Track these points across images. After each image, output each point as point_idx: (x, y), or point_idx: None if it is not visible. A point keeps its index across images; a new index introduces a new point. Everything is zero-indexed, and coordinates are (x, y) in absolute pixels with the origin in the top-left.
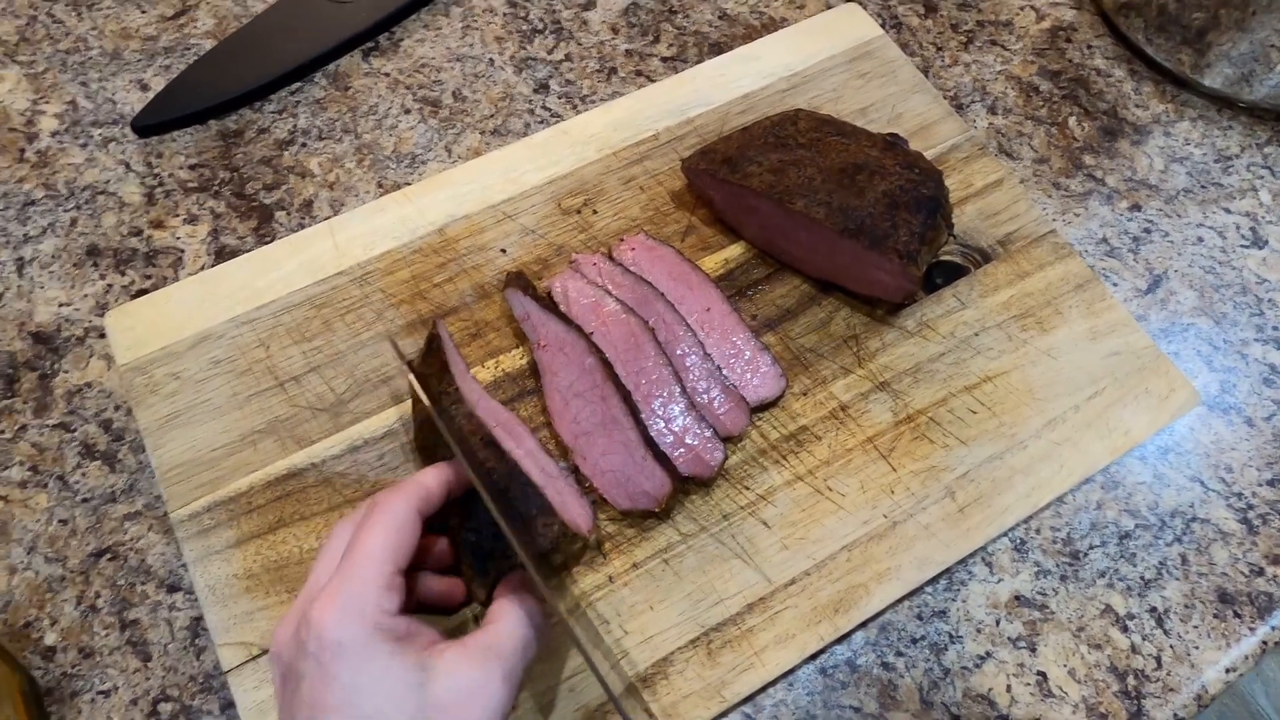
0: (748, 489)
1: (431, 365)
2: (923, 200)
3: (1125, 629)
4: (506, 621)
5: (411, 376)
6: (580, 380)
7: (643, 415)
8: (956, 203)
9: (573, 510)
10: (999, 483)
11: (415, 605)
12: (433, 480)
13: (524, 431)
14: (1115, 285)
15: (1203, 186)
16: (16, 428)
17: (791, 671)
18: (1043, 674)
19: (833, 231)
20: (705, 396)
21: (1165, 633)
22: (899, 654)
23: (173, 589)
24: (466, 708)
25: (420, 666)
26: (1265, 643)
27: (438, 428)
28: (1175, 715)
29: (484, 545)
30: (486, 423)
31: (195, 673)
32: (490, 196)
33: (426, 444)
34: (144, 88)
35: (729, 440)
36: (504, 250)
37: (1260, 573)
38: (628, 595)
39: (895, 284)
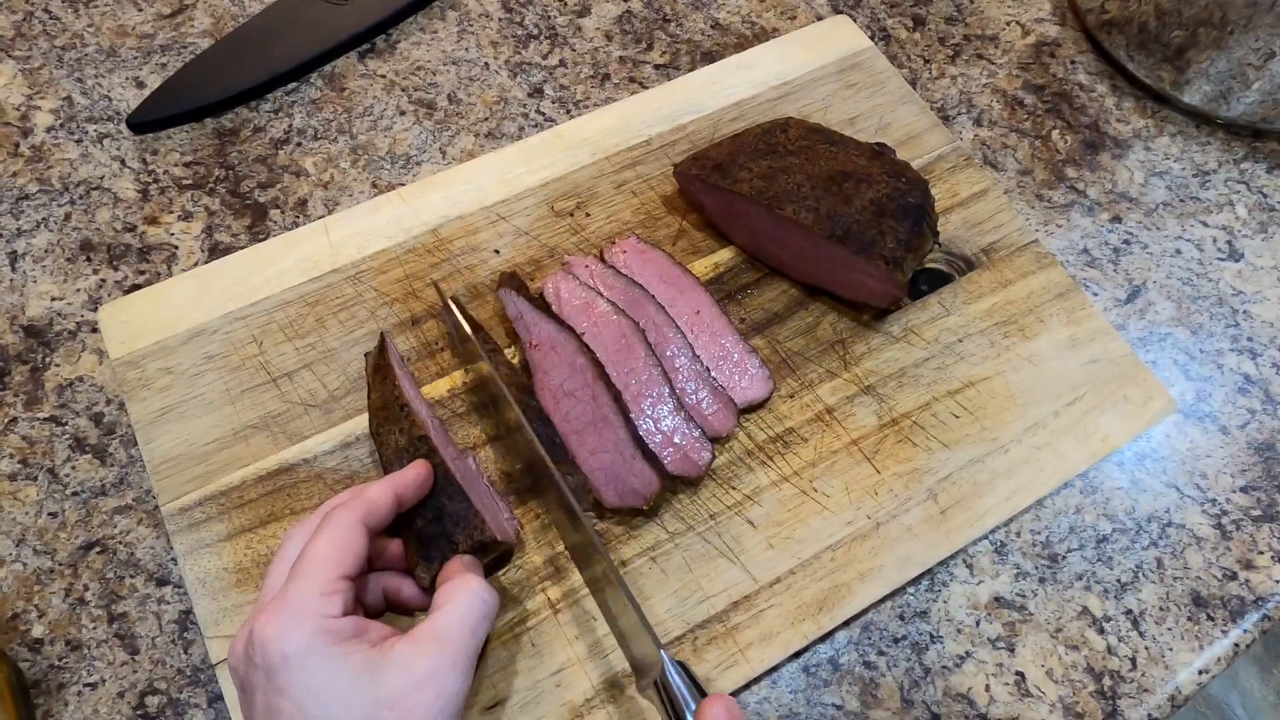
0: (734, 489)
1: (384, 368)
2: (909, 208)
3: (1102, 630)
4: (453, 606)
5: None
6: (571, 379)
7: (632, 415)
8: (942, 211)
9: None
10: (980, 485)
11: (383, 608)
12: (378, 494)
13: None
14: (1095, 295)
15: (1181, 200)
16: (7, 420)
17: (775, 669)
18: (1021, 674)
19: (820, 237)
20: (694, 397)
21: (1140, 634)
22: (880, 653)
23: (161, 582)
24: (419, 698)
25: (369, 663)
26: (1237, 645)
27: (389, 415)
28: (1150, 715)
29: (427, 530)
30: (427, 424)
31: (183, 666)
32: (484, 198)
33: (380, 430)
34: (140, 85)
35: (717, 441)
36: (497, 251)
37: (1233, 577)
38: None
39: (881, 289)
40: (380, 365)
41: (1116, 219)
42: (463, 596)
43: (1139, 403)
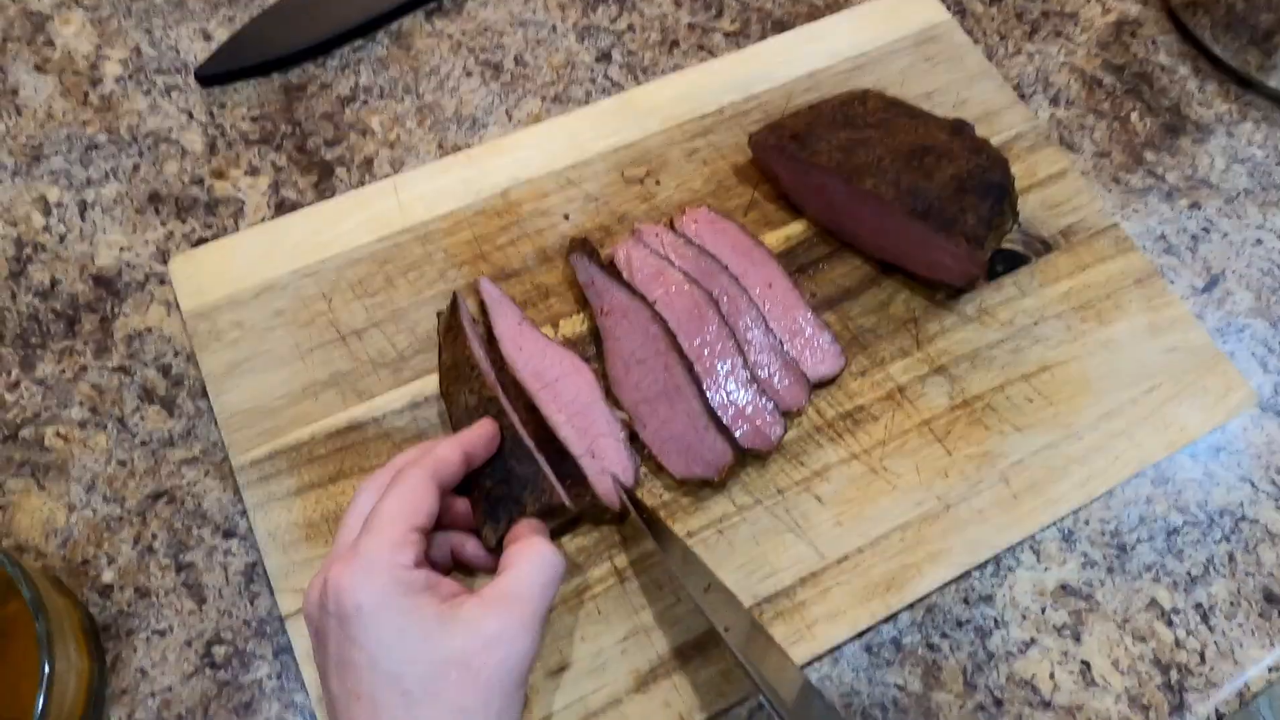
0: (803, 464)
1: (456, 328)
2: (990, 186)
3: (1170, 623)
4: (522, 568)
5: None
6: (643, 348)
7: (705, 386)
8: (1020, 191)
9: (609, 475)
10: (1053, 471)
11: (450, 567)
12: (446, 451)
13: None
14: (1172, 282)
15: (1264, 188)
16: (77, 368)
17: (837, 647)
18: (1086, 663)
19: (900, 212)
20: (766, 370)
21: (1210, 629)
22: (944, 635)
23: (228, 534)
24: (488, 657)
25: (439, 618)
26: None
27: (459, 375)
28: (1217, 710)
29: (495, 491)
30: (530, 386)
31: (249, 617)
32: (554, 162)
33: (450, 390)
34: (207, 37)
35: (786, 415)
36: (566, 216)
37: None
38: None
39: (959, 268)
40: (452, 325)
41: (1195, 205)
42: (531, 558)
43: (1218, 394)
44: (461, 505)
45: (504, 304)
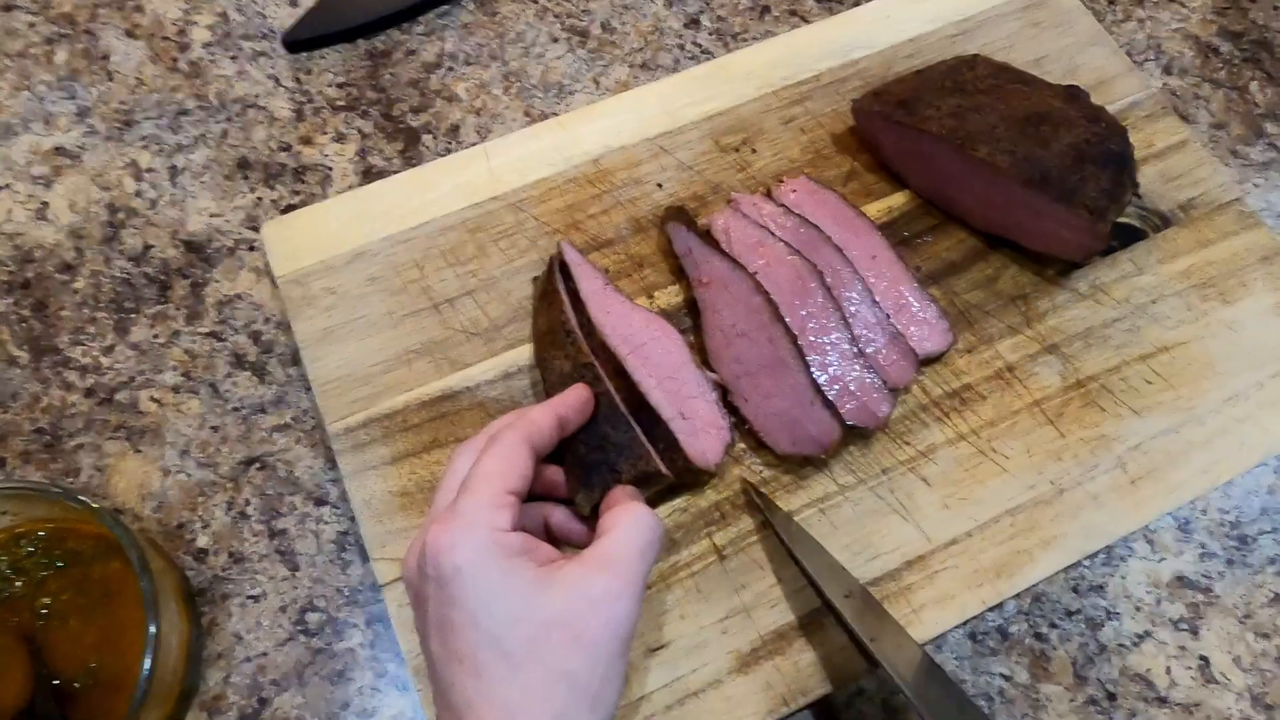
0: (908, 444)
1: (551, 294)
2: (1111, 155)
3: None
4: (621, 530)
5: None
6: (745, 319)
7: (809, 359)
8: (1137, 162)
9: (702, 441)
10: (1174, 456)
11: (543, 537)
12: (540, 415)
13: (673, 345)
14: None
15: None
16: (170, 333)
17: (943, 634)
18: (1205, 658)
19: (1016, 182)
20: (873, 345)
21: None
22: (1053, 625)
23: (320, 502)
24: (589, 618)
25: (539, 581)
26: None
27: (554, 340)
28: None
29: (590, 457)
30: (619, 351)
31: (342, 585)
32: (646, 129)
33: (545, 355)
34: (293, 3)
35: (893, 392)
36: (660, 185)
37: None
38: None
39: (1077, 241)
40: (547, 290)
41: None
42: (630, 522)
43: None
44: (554, 474)
45: (587, 267)
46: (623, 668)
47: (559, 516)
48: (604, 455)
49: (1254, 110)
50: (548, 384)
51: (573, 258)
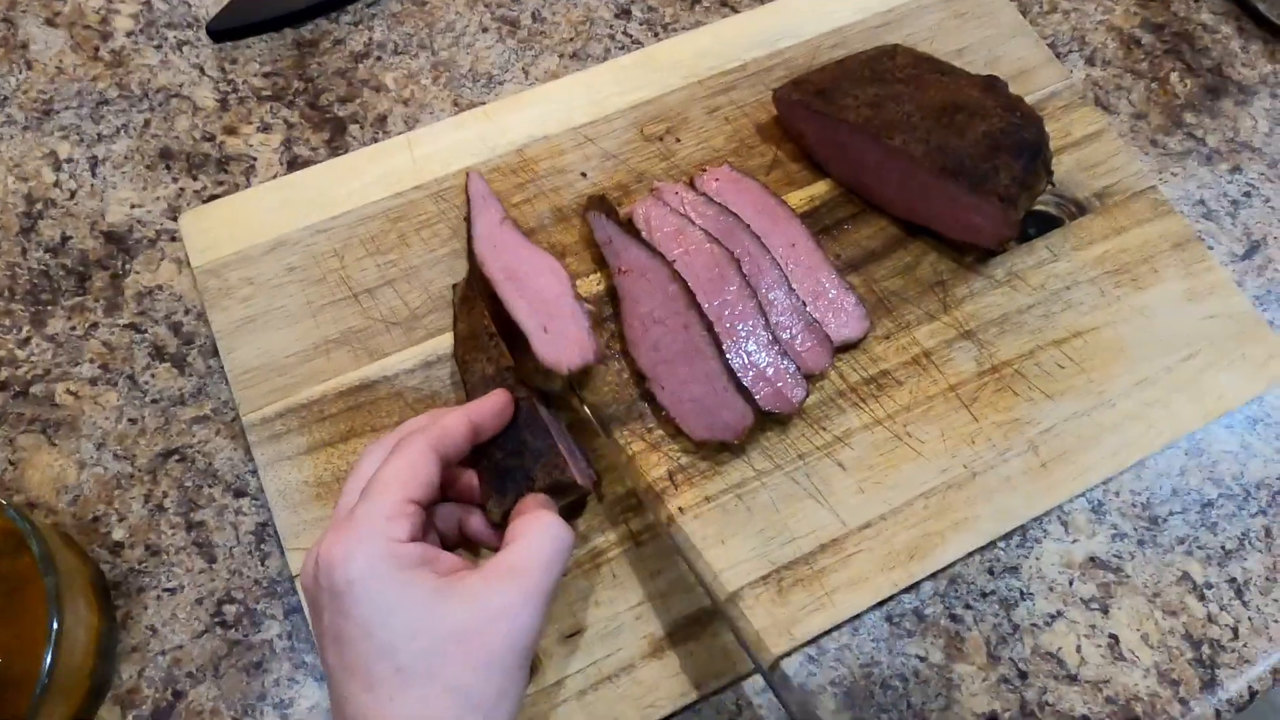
0: (824, 429)
1: (472, 299)
2: (1024, 144)
3: (1202, 597)
4: (528, 540)
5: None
6: (662, 307)
7: (725, 347)
8: (1054, 151)
9: (560, 350)
10: (1085, 440)
11: (457, 541)
12: (452, 422)
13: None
14: (1211, 248)
15: None
16: (88, 325)
17: (857, 617)
18: (1115, 636)
19: (930, 171)
20: (789, 332)
21: (1244, 604)
22: (967, 606)
23: (239, 494)
24: (489, 633)
25: (437, 592)
26: None
27: (477, 344)
28: (1249, 687)
29: (506, 463)
30: (495, 277)
31: (260, 577)
32: (572, 119)
33: (466, 358)
34: None
35: (809, 378)
36: (584, 174)
37: None
38: (698, 528)
39: (991, 229)
40: (469, 296)
41: (1237, 169)
42: (538, 531)
43: (1259, 362)
44: (471, 478)
45: (489, 201)
46: (522, 680)
47: (475, 523)
48: (520, 461)
49: (1174, 101)
50: (468, 386)
51: (478, 189)
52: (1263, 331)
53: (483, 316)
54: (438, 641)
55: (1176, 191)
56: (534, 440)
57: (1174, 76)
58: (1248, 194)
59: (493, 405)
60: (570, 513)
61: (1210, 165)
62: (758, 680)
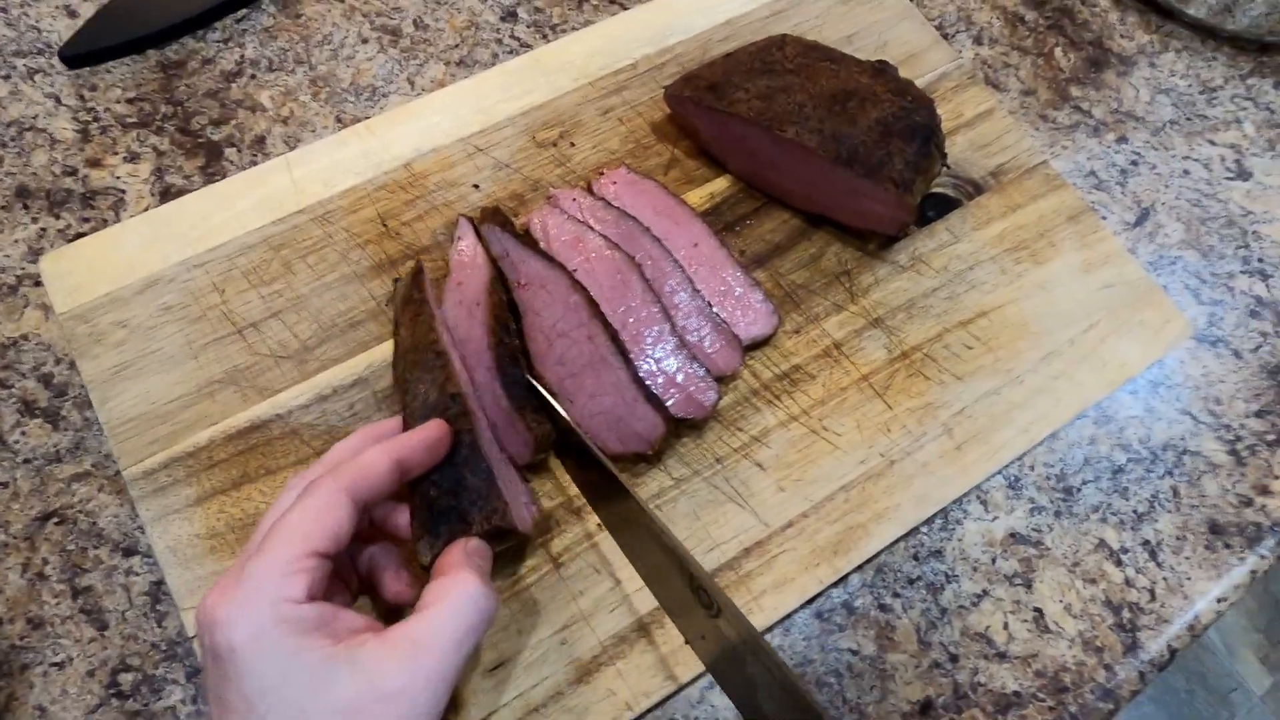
0: (740, 430)
1: (419, 304)
2: (916, 128)
3: (1119, 563)
4: (442, 609)
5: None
6: (565, 319)
7: (632, 355)
8: (947, 133)
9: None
10: (996, 418)
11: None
12: (374, 460)
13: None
14: (1104, 218)
15: (1188, 119)
16: None
17: (788, 616)
18: (1039, 610)
19: (825, 160)
20: (696, 335)
21: (1158, 565)
22: (895, 595)
23: (129, 552)
24: (382, 713)
25: (328, 663)
26: (1254, 572)
27: (419, 360)
28: (1169, 646)
29: (441, 502)
30: (451, 356)
31: (157, 640)
32: (460, 129)
33: (407, 377)
34: (72, 14)
35: (721, 380)
36: (476, 186)
37: (1249, 503)
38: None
39: (889, 215)
40: (412, 298)
41: (1123, 139)
42: (455, 598)
43: (1155, 327)
44: (401, 515)
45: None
46: None
47: (389, 575)
48: (456, 501)
49: (1059, 75)
50: (407, 410)
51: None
52: (1157, 297)
53: (431, 330)
54: (327, 717)
55: (1067, 164)
56: (472, 478)
57: (1058, 51)
58: (1134, 162)
59: (423, 439)
60: (507, 552)
61: (1098, 136)
62: (692, 692)
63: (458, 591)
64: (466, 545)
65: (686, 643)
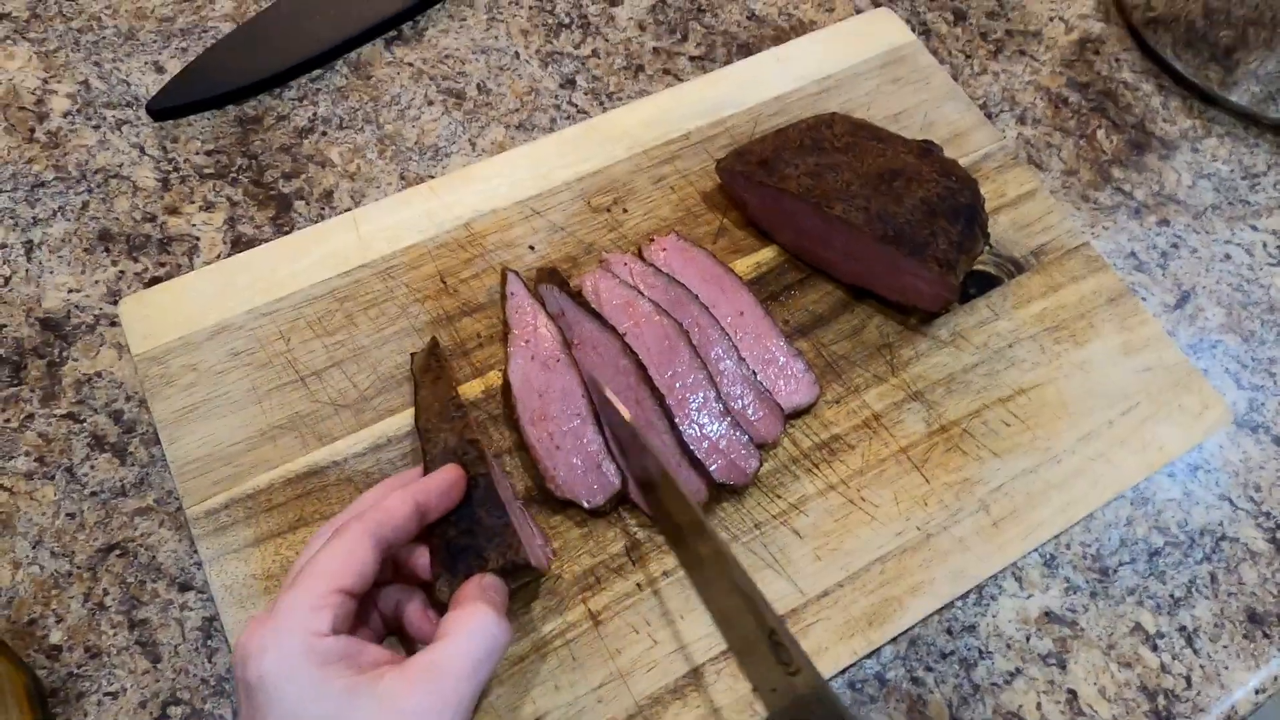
0: (779, 498)
1: (437, 368)
2: (960, 208)
3: (1155, 647)
4: (458, 638)
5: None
6: (614, 381)
7: (677, 419)
8: (990, 212)
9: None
10: (1033, 496)
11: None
12: (396, 505)
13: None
14: (1144, 300)
15: (1230, 203)
16: (23, 417)
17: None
18: (1073, 692)
19: (871, 237)
20: (739, 402)
21: (1195, 652)
22: (928, 669)
23: (184, 588)
24: None
25: (349, 691)
26: None
27: (442, 414)
28: None
29: (459, 541)
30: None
31: (207, 675)
32: (518, 192)
33: (429, 428)
34: (159, 70)
35: (761, 447)
36: (532, 247)
37: None
38: (658, 604)
39: (932, 292)
40: (430, 365)
41: (1164, 222)
42: (470, 628)
43: (1195, 412)
44: (422, 556)
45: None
46: None
47: (413, 611)
48: (473, 540)
49: (1101, 157)
50: (429, 457)
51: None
52: (1197, 382)
53: (449, 387)
54: None
55: (1108, 245)
56: (488, 518)
57: (1100, 133)
58: (1175, 245)
59: (440, 483)
60: (523, 591)
61: (1139, 218)
62: None
63: (472, 622)
64: (482, 580)
65: (754, 690)
